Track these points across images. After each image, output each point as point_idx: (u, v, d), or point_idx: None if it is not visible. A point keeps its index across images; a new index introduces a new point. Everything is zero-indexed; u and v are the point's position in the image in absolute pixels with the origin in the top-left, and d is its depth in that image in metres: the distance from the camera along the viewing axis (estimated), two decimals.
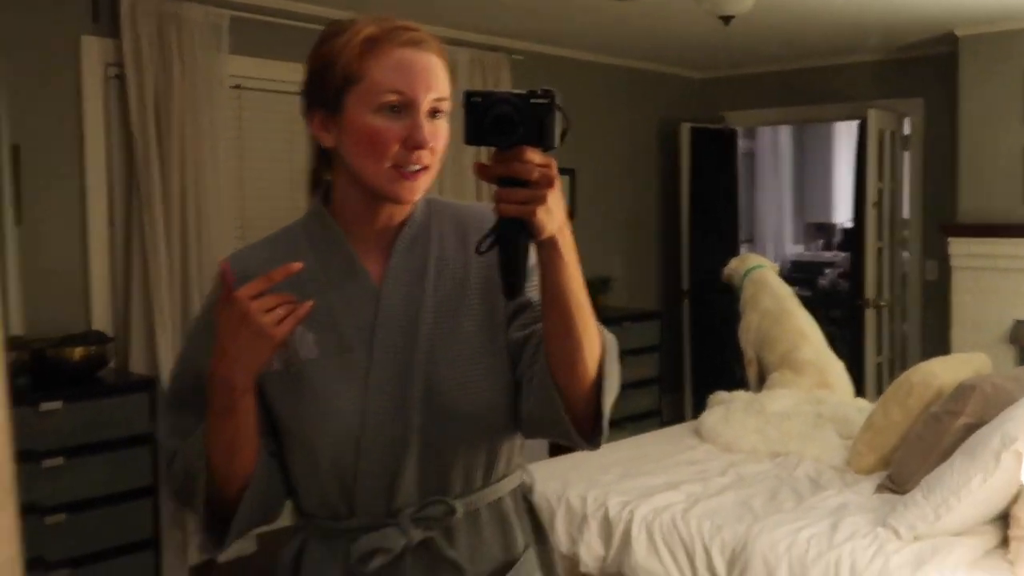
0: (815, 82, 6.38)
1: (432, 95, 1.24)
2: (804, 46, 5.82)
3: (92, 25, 3.99)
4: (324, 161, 1.35)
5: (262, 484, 1.28)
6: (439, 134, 1.25)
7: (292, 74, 4.49)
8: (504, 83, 5.38)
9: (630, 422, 5.55)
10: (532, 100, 1.07)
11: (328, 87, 1.26)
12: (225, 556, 4.21)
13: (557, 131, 1.07)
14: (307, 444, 1.28)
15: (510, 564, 1.35)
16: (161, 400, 1.29)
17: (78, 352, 3.70)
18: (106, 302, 4.11)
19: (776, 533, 2.69)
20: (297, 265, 1.17)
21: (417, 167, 1.24)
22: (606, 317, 4.19)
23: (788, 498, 3.02)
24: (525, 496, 1.42)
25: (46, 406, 3.47)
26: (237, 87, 4.47)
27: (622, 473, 3.25)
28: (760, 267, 4.51)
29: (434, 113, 1.25)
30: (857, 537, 2.63)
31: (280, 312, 1.15)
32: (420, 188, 1.27)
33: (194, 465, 1.26)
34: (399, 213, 1.33)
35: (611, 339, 1.24)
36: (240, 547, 4.27)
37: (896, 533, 2.62)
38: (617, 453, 3.52)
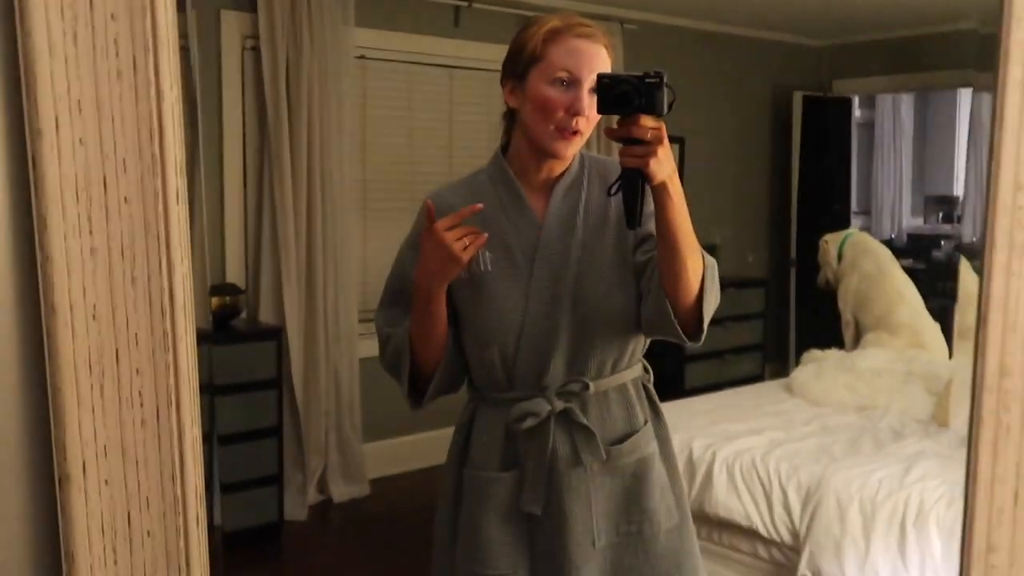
0: (932, 48, 6.31)
1: (594, 76, 1.57)
2: (920, 11, 5.78)
3: (232, 0, 4.33)
4: (510, 120, 1.75)
5: (450, 362, 1.74)
6: (595, 107, 1.57)
7: (412, 45, 4.85)
8: (617, 50, 5.53)
9: (732, 387, 5.67)
10: (647, 80, 1.42)
11: (519, 63, 1.65)
12: (340, 497, 4.56)
13: (665, 102, 1.43)
14: (482, 334, 1.70)
15: (632, 433, 1.73)
16: (380, 299, 1.83)
17: (215, 302, 4.07)
18: (239, 257, 4.45)
19: (850, 473, 2.84)
20: (479, 206, 1.59)
21: (573, 130, 1.62)
22: None
23: (868, 445, 3.15)
24: (644, 384, 1.80)
25: None
26: (361, 57, 4.75)
27: (710, 420, 3.43)
28: (855, 232, 4.59)
29: (594, 90, 1.56)
30: (928, 479, 2.76)
31: (466, 241, 1.55)
32: (573, 147, 1.66)
33: (401, 347, 1.71)
34: (559, 166, 1.72)
35: (711, 262, 1.60)
36: (354, 490, 4.61)
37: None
38: (709, 403, 3.70)
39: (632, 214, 1.49)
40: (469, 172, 1.84)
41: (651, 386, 1.83)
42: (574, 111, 1.60)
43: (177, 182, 0.81)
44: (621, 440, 1.72)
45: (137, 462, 0.83)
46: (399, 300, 1.77)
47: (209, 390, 3.83)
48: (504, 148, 1.77)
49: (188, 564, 0.84)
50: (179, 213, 0.81)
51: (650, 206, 1.54)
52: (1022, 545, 0.79)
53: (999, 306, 0.79)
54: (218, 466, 3.90)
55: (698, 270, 1.56)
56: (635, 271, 1.68)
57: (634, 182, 1.47)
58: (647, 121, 1.42)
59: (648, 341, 1.78)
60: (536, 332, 1.67)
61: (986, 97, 5.27)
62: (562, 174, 1.73)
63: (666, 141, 1.44)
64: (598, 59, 1.62)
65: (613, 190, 1.56)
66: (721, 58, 6.37)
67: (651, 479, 1.73)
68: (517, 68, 1.66)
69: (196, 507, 0.84)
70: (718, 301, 1.62)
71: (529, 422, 1.67)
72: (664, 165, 1.44)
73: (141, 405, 0.83)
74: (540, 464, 1.69)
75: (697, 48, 6.20)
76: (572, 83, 1.60)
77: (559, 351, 1.68)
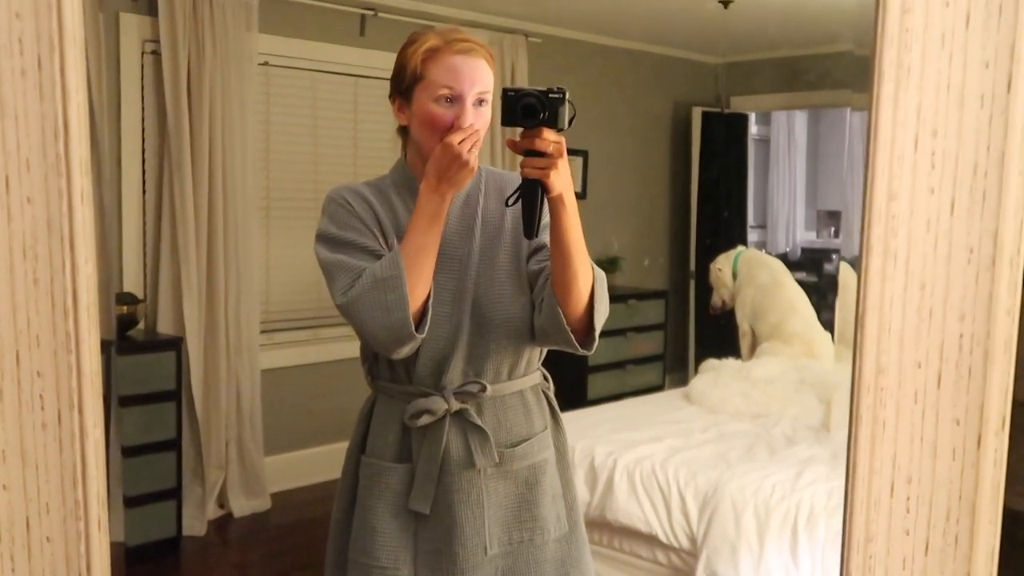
0: (824, 68, 6.53)
1: (476, 90, 1.65)
2: (813, 32, 5.98)
3: (131, 3, 4.23)
4: (404, 134, 1.79)
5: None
6: (483, 117, 1.65)
7: (317, 52, 4.82)
8: (521, 64, 5.60)
9: (634, 396, 5.77)
10: (550, 94, 1.49)
11: (403, 82, 1.70)
12: (240, 511, 4.47)
13: (567, 117, 1.50)
14: None
15: (528, 438, 1.77)
16: (329, 270, 1.71)
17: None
18: (137, 266, 4.34)
19: (745, 479, 2.93)
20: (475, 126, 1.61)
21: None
22: (614, 295, 4.43)
23: (762, 451, 3.25)
24: (544, 392, 1.85)
25: None
26: (265, 64, 4.69)
27: (611, 428, 3.49)
28: (745, 249, 4.76)
29: (479, 103, 1.65)
30: (818, 483, 2.86)
31: (467, 144, 1.56)
32: None
33: (389, 273, 1.60)
34: None
35: (600, 274, 1.67)
36: (255, 504, 4.53)
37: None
38: (610, 412, 3.77)
39: (530, 223, 1.55)
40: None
41: (551, 394, 1.87)
42: (459, 126, 1.63)
43: (83, 182, 0.81)
44: (516, 444, 1.75)
45: (37, 466, 0.82)
46: (344, 252, 1.68)
47: (107, 402, 3.73)
48: (405, 156, 1.81)
49: (89, 570, 0.83)
50: (84, 213, 0.81)
51: (546, 217, 1.60)
52: (898, 534, 0.85)
53: (875, 308, 0.84)
54: (122, 480, 3.81)
55: (589, 280, 1.62)
56: (528, 280, 1.73)
57: (533, 192, 1.52)
58: (550, 134, 1.48)
59: (545, 351, 1.82)
60: (437, 333, 1.70)
61: (863, 116, 5.50)
62: None
63: (565, 155, 1.50)
64: (479, 73, 1.66)
65: (512, 200, 1.60)
66: (623, 73, 6.48)
67: (543, 485, 1.77)
68: (402, 87, 1.70)
69: (98, 512, 0.83)
70: (607, 311, 1.68)
71: (424, 419, 1.70)
72: (563, 177, 1.51)
73: (42, 408, 0.82)
74: (432, 462, 1.72)
75: (600, 62, 6.30)
76: (455, 99, 1.64)
77: (458, 352, 1.71)
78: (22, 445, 0.82)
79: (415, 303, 1.63)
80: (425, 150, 1.67)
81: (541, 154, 1.49)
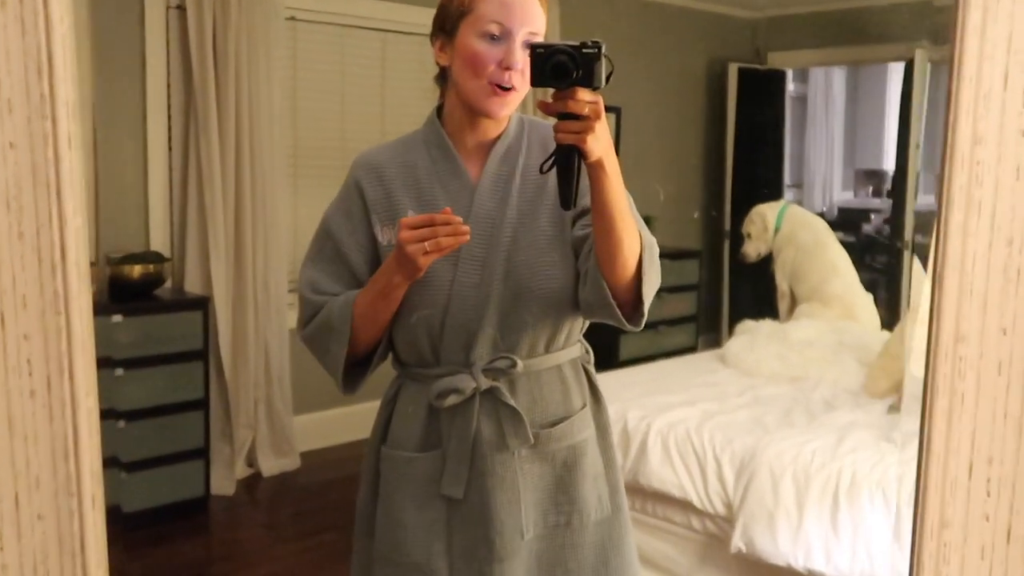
0: (865, 22, 6.36)
1: (527, 28, 1.51)
2: None
3: None
4: (442, 81, 1.64)
5: (387, 341, 1.64)
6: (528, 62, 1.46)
7: (344, 7, 4.72)
8: (554, 18, 5.48)
9: (666, 358, 5.69)
10: (584, 50, 1.31)
11: (448, 18, 1.56)
12: (269, 471, 4.47)
13: (603, 74, 1.32)
14: (407, 302, 1.57)
15: (566, 417, 1.63)
16: (301, 286, 1.66)
17: (137, 270, 3.93)
18: (164, 224, 4.31)
19: (783, 445, 2.84)
20: (453, 217, 1.43)
21: (508, 86, 1.52)
22: None
23: (800, 416, 3.16)
24: (584, 366, 1.69)
25: (106, 321, 3.71)
26: (292, 19, 4.61)
27: (644, 391, 3.41)
28: (791, 204, 4.62)
29: (528, 46, 1.47)
30: (860, 450, 2.77)
31: (427, 246, 1.41)
32: (508, 105, 1.55)
33: (337, 325, 1.58)
34: (495, 128, 1.62)
35: (650, 240, 1.50)
36: (284, 463, 4.52)
37: (898, 445, 2.75)
38: (643, 375, 3.68)
39: (567, 194, 1.38)
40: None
41: (591, 368, 1.72)
42: (506, 65, 1.51)
43: (69, 125, 0.73)
44: (553, 424, 1.62)
45: (26, 437, 0.75)
46: (325, 261, 1.65)
47: (124, 363, 3.71)
48: (439, 110, 1.66)
49: (83, 549, 0.77)
50: (72, 160, 0.73)
51: (585, 181, 1.43)
52: (977, 520, 0.76)
53: (955, 267, 0.75)
54: (132, 443, 3.79)
55: (635, 250, 1.45)
56: (573, 247, 1.59)
57: (569, 159, 1.36)
58: (584, 95, 1.31)
59: (588, 321, 1.68)
60: (464, 303, 1.57)
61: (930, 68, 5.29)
62: (498, 137, 1.63)
63: (604, 116, 1.33)
64: (531, 11, 1.52)
65: (546, 166, 1.44)
66: (657, 29, 6.34)
67: (583, 467, 1.64)
68: (446, 23, 1.57)
69: (92, 487, 0.76)
70: (659, 283, 1.53)
71: (452, 399, 1.58)
72: (601, 141, 1.34)
73: (30, 374, 0.75)
74: (463, 445, 1.59)
75: (633, 18, 6.16)
76: (503, 36, 1.51)
77: (488, 325, 1.57)
78: (9, 414, 0.75)
79: (359, 348, 1.60)
80: (465, 93, 1.55)
81: (576, 117, 1.31)
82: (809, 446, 2.82)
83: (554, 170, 1.39)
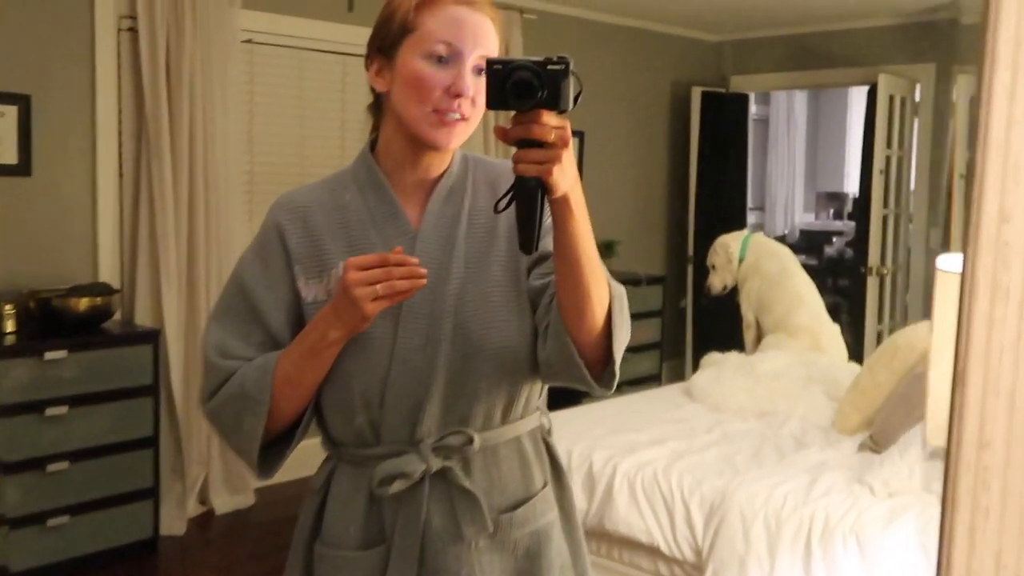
0: (828, 46, 6.36)
1: (478, 51, 1.33)
2: (817, 9, 5.80)
3: None
4: (377, 110, 1.45)
5: (311, 413, 1.40)
6: (481, 89, 1.27)
7: (303, 29, 4.61)
8: (516, 41, 5.40)
9: (630, 386, 5.60)
10: (549, 66, 1.13)
11: (388, 36, 1.36)
12: (222, 508, 4.32)
13: (571, 95, 1.14)
14: (341, 372, 1.36)
15: (527, 499, 1.43)
16: (206, 348, 1.39)
17: (84, 303, 3.77)
18: (113, 254, 4.16)
19: (754, 487, 2.75)
20: (409, 258, 1.24)
21: (456, 115, 1.33)
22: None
23: (770, 455, 3.07)
24: (544, 438, 1.50)
25: (51, 355, 3.54)
26: (249, 42, 4.49)
27: (609, 429, 3.31)
28: (754, 233, 4.56)
29: (479, 71, 1.32)
30: (833, 493, 2.69)
31: (379, 289, 1.22)
32: (456, 136, 1.35)
33: (253, 394, 1.34)
34: (438, 165, 1.42)
35: (620, 290, 1.31)
36: (238, 500, 4.37)
37: (871, 490, 2.68)
38: (607, 410, 3.58)
39: (528, 235, 1.17)
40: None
41: (551, 440, 1.52)
42: (455, 91, 1.31)
43: None
44: (513, 508, 1.41)
45: None
46: (236, 320, 1.40)
47: (69, 401, 3.54)
48: (373, 144, 1.45)
49: None
50: None
51: (547, 221, 1.24)
52: None
53: (978, 362, 0.65)
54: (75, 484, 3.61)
55: (604, 300, 1.26)
56: (530, 298, 1.39)
57: (531, 195, 1.14)
58: (550, 118, 1.11)
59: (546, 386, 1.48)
60: (407, 370, 1.35)
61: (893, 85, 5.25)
62: (441, 175, 1.43)
63: (571, 144, 1.14)
64: (484, 31, 1.34)
65: (502, 205, 1.22)
66: (621, 51, 6.30)
67: (548, 556, 1.43)
68: (385, 43, 1.37)
69: None
70: (628, 337, 1.33)
71: (397, 485, 1.35)
72: (568, 174, 1.14)
73: None
74: (411, 539, 1.37)
75: (598, 40, 6.12)
76: (452, 58, 1.32)
77: (436, 395, 1.36)
78: None
79: (278, 423, 1.36)
80: (407, 122, 1.34)
81: (540, 144, 1.11)
82: (780, 489, 2.73)
83: (511, 209, 1.18)
